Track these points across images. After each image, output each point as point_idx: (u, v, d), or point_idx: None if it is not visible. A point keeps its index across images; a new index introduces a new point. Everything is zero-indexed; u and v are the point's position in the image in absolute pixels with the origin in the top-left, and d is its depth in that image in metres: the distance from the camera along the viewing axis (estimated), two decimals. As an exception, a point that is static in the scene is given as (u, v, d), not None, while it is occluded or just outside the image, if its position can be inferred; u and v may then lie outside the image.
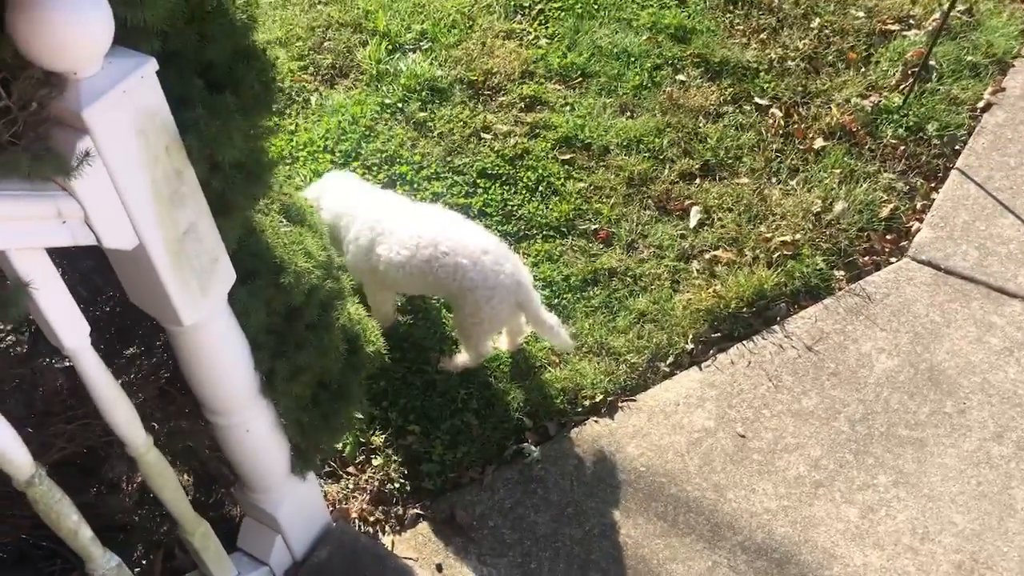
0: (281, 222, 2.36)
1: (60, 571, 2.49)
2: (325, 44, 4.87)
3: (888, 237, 4.01)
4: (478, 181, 4.18)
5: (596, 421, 3.44)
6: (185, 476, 3.04)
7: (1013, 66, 4.74)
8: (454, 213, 3.43)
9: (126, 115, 1.58)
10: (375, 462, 3.29)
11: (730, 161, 4.27)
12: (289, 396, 2.37)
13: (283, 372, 2.31)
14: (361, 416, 3.36)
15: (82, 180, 1.55)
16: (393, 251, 3.21)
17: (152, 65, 1.59)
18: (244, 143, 1.93)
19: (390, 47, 4.81)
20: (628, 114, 4.48)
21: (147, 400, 2.34)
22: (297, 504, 2.73)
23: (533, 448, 3.34)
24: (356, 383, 2.55)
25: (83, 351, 1.85)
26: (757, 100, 4.53)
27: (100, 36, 1.45)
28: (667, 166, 4.25)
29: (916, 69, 4.51)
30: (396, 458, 3.31)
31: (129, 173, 1.66)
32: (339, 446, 3.28)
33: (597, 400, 3.48)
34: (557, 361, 3.59)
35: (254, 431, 2.41)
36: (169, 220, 1.79)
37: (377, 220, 3.27)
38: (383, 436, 3.35)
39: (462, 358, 3.48)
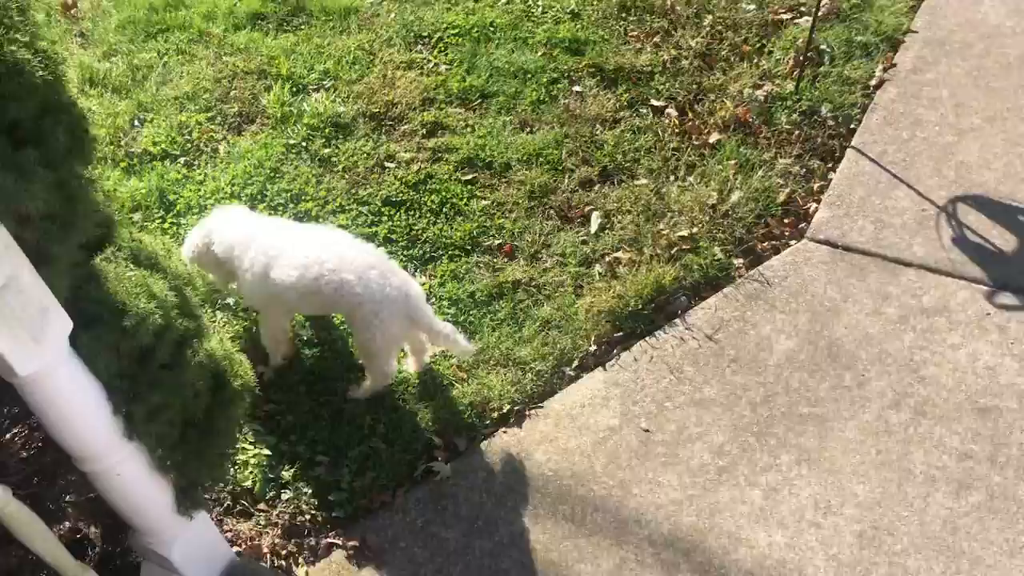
0: (128, 267, 2.41)
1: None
2: (231, 93, 4.96)
3: (786, 221, 4.07)
4: (383, 209, 4.24)
5: (505, 432, 3.48)
6: (92, 528, 3.07)
7: (903, 42, 4.83)
8: (342, 233, 3.48)
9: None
10: (285, 496, 3.32)
11: (628, 164, 4.34)
12: (151, 437, 2.41)
13: (141, 413, 2.35)
14: (268, 452, 3.41)
15: None
16: (284, 273, 3.28)
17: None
18: (52, 194, 1.99)
19: (294, 89, 4.89)
20: (528, 130, 4.55)
21: (17, 453, 2.39)
22: (191, 543, 2.76)
23: (443, 465, 3.37)
24: (225, 418, 2.59)
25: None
26: (653, 102, 4.61)
27: None
28: (567, 176, 4.32)
29: (805, 54, 4.59)
30: (306, 490, 3.34)
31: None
32: (248, 483, 3.32)
33: (505, 411, 3.52)
34: (464, 377, 3.63)
35: (126, 474, 2.44)
36: (-17, 277, 1.84)
37: (270, 245, 3.35)
38: (292, 470, 3.38)
39: (368, 383, 3.52)
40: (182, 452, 2.52)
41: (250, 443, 3.41)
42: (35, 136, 2.02)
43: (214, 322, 3.82)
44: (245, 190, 4.37)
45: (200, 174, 4.55)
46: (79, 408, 2.27)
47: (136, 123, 4.85)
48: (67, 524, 2.79)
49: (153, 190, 4.38)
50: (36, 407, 2.22)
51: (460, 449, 3.44)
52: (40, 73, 2.01)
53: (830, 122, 4.44)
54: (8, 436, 2.57)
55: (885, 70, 4.66)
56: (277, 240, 3.36)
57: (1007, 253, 3.74)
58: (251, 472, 3.34)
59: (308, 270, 3.25)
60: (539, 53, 4.90)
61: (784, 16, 5.01)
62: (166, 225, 4.28)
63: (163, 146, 4.68)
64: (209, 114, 4.86)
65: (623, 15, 5.10)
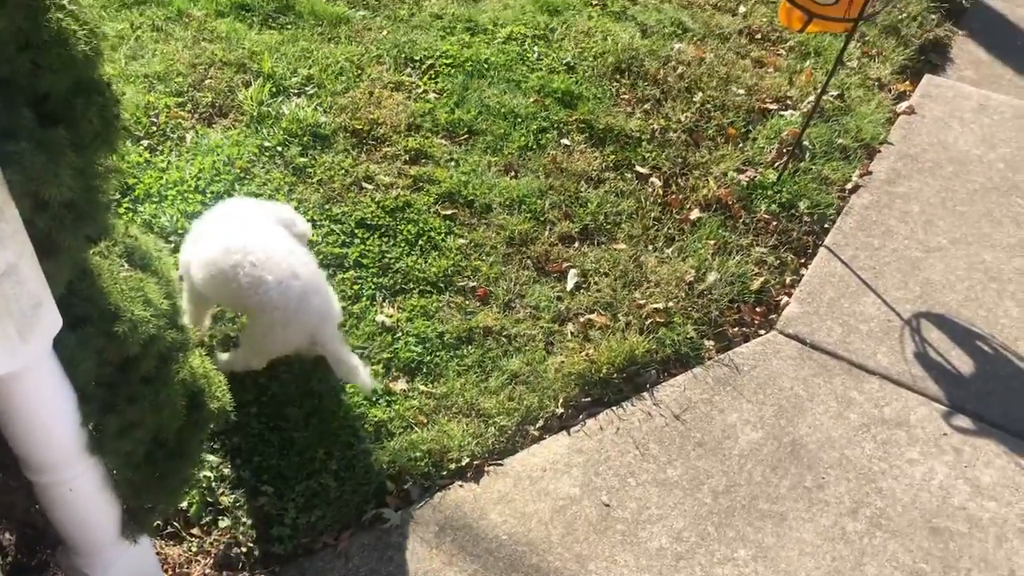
0: (122, 266, 2.21)
1: None
2: (206, 82, 4.72)
3: (758, 309, 4.09)
4: (356, 231, 4.08)
5: (461, 485, 3.34)
6: (7, 535, 2.79)
7: (879, 151, 4.97)
8: (283, 230, 3.29)
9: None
10: (222, 524, 3.10)
11: (609, 226, 4.30)
12: (118, 454, 2.19)
13: (113, 428, 2.14)
14: (209, 474, 3.18)
15: None
16: (202, 250, 3.14)
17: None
18: (76, 181, 1.80)
19: (274, 89, 4.69)
20: (512, 174, 4.47)
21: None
22: (127, 570, 2.53)
23: (394, 513, 3.21)
24: (196, 440, 2.39)
25: None
26: (638, 168, 4.60)
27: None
28: (547, 227, 4.25)
29: (791, 148, 4.67)
30: (246, 520, 3.12)
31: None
32: (184, 504, 3.08)
33: (463, 463, 3.39)
34: (424, 421, 3.48)
35: (78, 490, 2.22)
36: (-18, 260, 1.63)
37: (209, 227, 3.24)
38: (233, 496, 3.16)
39: (230, 360, 3.35)
40: (145, 473, 2.31)
41: (191, 461, 3.17)
42: (66, 115, 1.83)
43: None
44: (211, 187, 4.14)
45: (163, 161, 4.29)
46: (47, 415, 2.05)
47: (99, 95, 4.55)
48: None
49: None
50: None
51: (412, 498, 3.29)
52: (81, 47, 1.82)
53: (806, 218, 4.51)
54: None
55: (861, 176, 4.78)
56: (219, 221, 3.25)
57: (964, 376, 3.85)
58: (188, 492, 3.10)
59: (229, 255, 3.06)
60: (531, 99, 4.84)
61: (771, 106, 5.10)
62: (121, 210, 4.01)
63: (126, 124, 4.39)
64: (180, 99, 4.61)
65: (617, 76, 5.10)
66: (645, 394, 3.69)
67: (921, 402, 3.73)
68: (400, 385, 3.58)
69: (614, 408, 3.63)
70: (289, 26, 5.14)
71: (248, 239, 3.11)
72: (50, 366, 1.99)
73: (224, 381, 2.57)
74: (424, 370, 3.64)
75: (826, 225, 4.52)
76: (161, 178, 4.19)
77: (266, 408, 3.41)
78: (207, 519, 3.11)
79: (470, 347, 3.74)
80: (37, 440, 2.08)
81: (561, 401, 3.62)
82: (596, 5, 5.73)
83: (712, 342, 3.93)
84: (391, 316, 3.78)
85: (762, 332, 4.00)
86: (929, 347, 3.96)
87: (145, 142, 4.37)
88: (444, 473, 3.37)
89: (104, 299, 2.09)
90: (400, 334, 3.73)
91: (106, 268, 2.14)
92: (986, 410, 3.72)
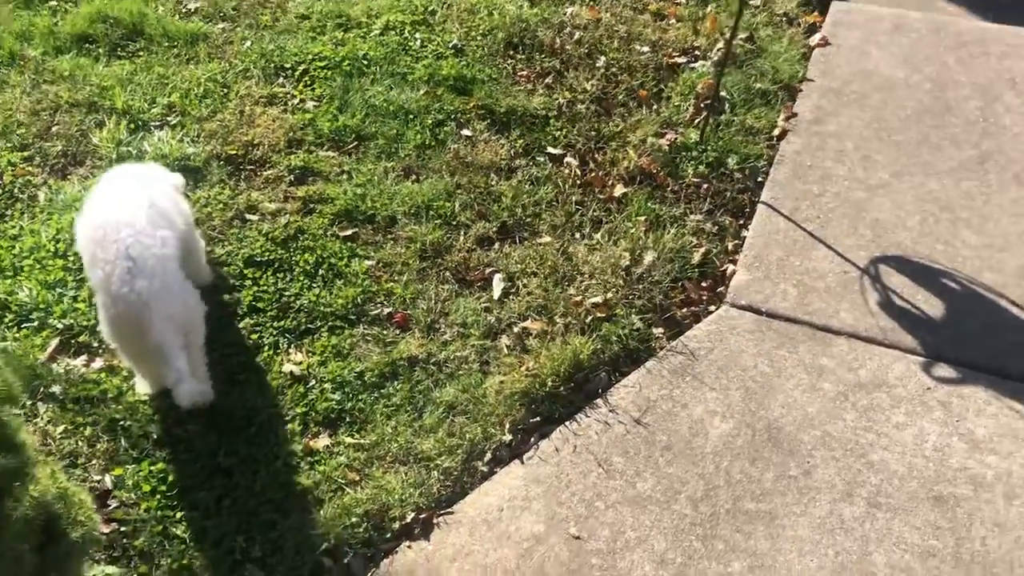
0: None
1: None
2: (53, 129, 4.16)
3: (704, 284, 3.72)
4: (245, 271, 3.59)
5: (409, 546, 2.90)
6: None
7: (801, 90, 4.64)
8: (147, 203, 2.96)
9: None
10: (134, 651, 2.61)
11: (529, 220, 3.88)
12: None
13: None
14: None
15: None
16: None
17: None
18: None
19: (132, 126, 4.15)
20: (413, 177, 4.02)
21: None
22: None
23: (336, 594, 2.76)
24: (64, 583, 1.90)
25: None
26: (550, 150, 4.19)
27: None
28: (462, 232, 3.81)
29: (708, 101, 4.31)
30: (163, 640, 2.64)
31: None
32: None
33: (408, 520, 2.94)
34: (356, 479, 3.03)
35: None
36: None
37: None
38: (144, 613, 2.68)
39: None
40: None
41: (86, 580, 2.67)
42: None
43: (35, 421, 3.05)
44: (74, 247, 3.59)
45: (14, 227, 3.74)
46: None
47: (-74, 161, 3.97)
48: None
49: (-49, 248, 3.54)
50: None
51: (355, 572, 2.83)
52: None
53: (737, 175, 4.16)
54: None
55: (787, 119, 4.44)
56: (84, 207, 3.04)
57: (935, 320, 3.53)
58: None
59: (85, 245, 2.90)
60: (421, 91, 4.38)
61: (679, 60, 4.73)
62: (-32, 291, 3.45)
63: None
64: (25, 153, 4.05)
65: (510, 52, 4.67)
66: (598, 401, 3.29)
67: (896, 357, 3.41)
68: (322, 441, 3.12)
69: (567, 423, 3.22)
70: (141, 52, 4.59)
71: (100, 214, 2.90)
72: None
73: (86, 497, 2.08)
74: (347, 419, 3.19)
75: (759, 179, 4.17)
76: (13, 247, 3.64)
77: (169, 495, 2.92)
78: (115, 648, 2.62)
79: (396, 383, 3.29)
80: None
81: (508, 427, 3.19)
82: (476, -20, 5.28)
83: (661, 330, 3.54)
84: (300, 363, 3.30)
85: (712, 309, 3.63)
86: (892, 294, 3.64)
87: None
88: (388, 535, 2.92)
89: None
90: (313, 382, 3.26)
91: None
92: (965, 354, 3.41)
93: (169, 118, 4.21)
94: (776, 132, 4.38)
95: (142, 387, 3.13)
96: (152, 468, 2.97)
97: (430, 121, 4.24)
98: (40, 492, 1.87)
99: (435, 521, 2.96)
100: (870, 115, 4.48)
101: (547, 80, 4.52)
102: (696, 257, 3.77)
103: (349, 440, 3.13)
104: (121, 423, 3.08)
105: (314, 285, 3.57)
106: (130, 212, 2.88)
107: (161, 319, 2.74)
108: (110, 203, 2.95)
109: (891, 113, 4.49)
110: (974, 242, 3.82)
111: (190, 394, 2.73)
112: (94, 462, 3.00)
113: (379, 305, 3.53)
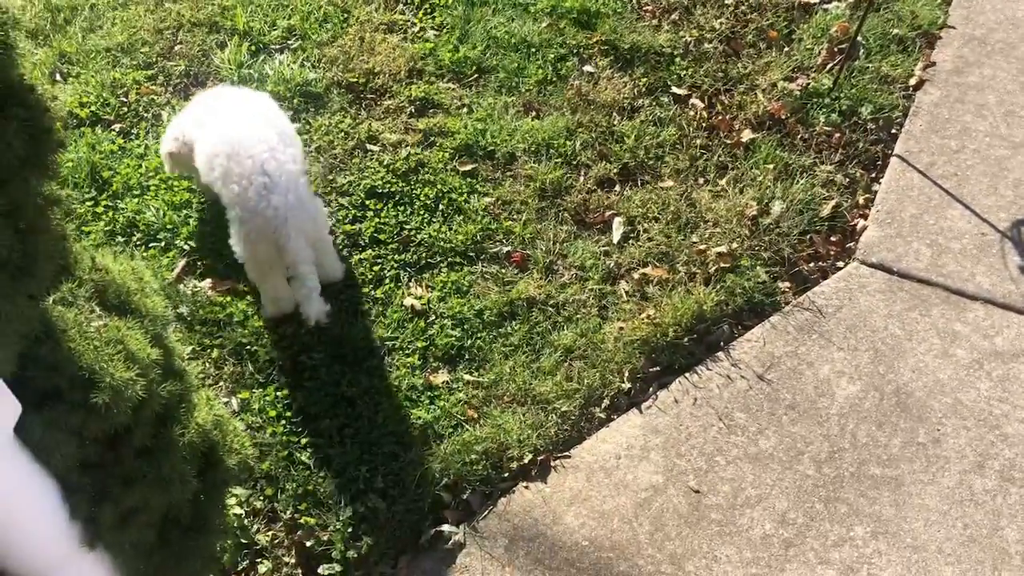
0: (93, 313, 1.73)
1: None
2: (176, 48, 4.17)
3: (832, 239, 3.59)
4: (367, 202, 3.58)
5: (527, 487, 2.91)
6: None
7: (940, 37, 4.38)
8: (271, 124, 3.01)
9: None
10: (262, 568, 2.68)
11: (651, 162, 3.78)
12: (121, 547, 1.75)
13: (109, 518, 1.70)
14: (240, 511, 2.75)
15: None
16: (201, 138, 3.07)
17: None
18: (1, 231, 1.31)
19: (253, 48, 4.14)
20: (534, 114, 3.93)
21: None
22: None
23: (455, 528, 2.79)
24: (217, 509, 1.95)
25: None
26: (675, 90, 4.05)
27: None
28: (582, 172, 3.73)
29: (843, 46, 4.10)
30: (288, 559, 2.71)
31: None
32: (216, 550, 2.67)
33: (526, 461, 2.95)
34: (475, 416, 3.04)
35: (81, 595, 1.79)
36: None
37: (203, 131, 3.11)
38: (270, 533, 2.75)
39: None
40: (159, 557, 1.87)
41: (216, 499, 2.74)
42: (-28, 143, 1.33)
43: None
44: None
45: (139, 146, 3.78)
46: (19, 518, 1.61)
47: (58, 77, 4.02)
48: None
49: (82, 164, 3.61)
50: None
51: (474, 508, 2.86)
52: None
53: (871, 125, 3.96)
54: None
55: (925, 68, 4.20)
56: (208, 123, 3.08)
57: (1080, 289, 3.36)
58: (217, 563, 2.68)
59: (215, 159, 2.93)
60: (543, 24, 4.26)
61: (812, 0, 4.50)
62: (99, 209, 3.53)
63: (93, 108, 3.89)
64: (149, 72, 4.07)
65: (636, -15, 4.50)
66: (720, 354, 3.22)
67: (1036, 327, 3.26)
68: (441, 377, 3.13)
69: (687, 375, 3.17)
70: (260, -28, 4.54)
71: (229, 131, 2.94)
72: (12, 458, 1.54)
73: (240, 427, 2.11)
74: (466, 356, 3.19)
75: (894, 131, 3.97)
76: (139, 166, 3.69)
77: (294, 424, 2.97)
78: (244, 564, 2.70)
79: (514, 323, 3.27)
80: (12, 546, 1.64)
81: (626, 374, 3.16)
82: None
83: (788, 284, 3.44)
84: (421, 298, 3.30)
85: (841, 265, 3.51)
86: (1034, 260, 3.46)
87: (117, 126, 3.85)
88: (506, 475, 2.94)
89: (74, 363, 1.62)
90: (433, 317, 3.26)
91: (72, 320, 1.67)
92: (1112, 327, 3.24)
93: (289, 41, 4.18)
94: (913, 82, 4.15)
95: (272, 308, 3.15)
96: (278, 394, 3.02)
97: (552, 55, 4.13)
98: (200, 421, 1.90)
99: (552, 464, 2.96)
100: (1016, 67, 4.21)
101: (673, 16, 4.35)
102: (826, 210, 3.63)
103: (468, 377, 3.13)
104: (248, 347, 3.13)
105: (434, 220, 3.55)
106: (261, 129, 2.91)
107: (297, 233, 2.77)
108: (237, 120, 2.97)
109: (1040, 66, 4.22)
110: None
111: (319, 312, 2.81)
112: (221, 384, 3.07)
113: (498, 243, 3.50)
